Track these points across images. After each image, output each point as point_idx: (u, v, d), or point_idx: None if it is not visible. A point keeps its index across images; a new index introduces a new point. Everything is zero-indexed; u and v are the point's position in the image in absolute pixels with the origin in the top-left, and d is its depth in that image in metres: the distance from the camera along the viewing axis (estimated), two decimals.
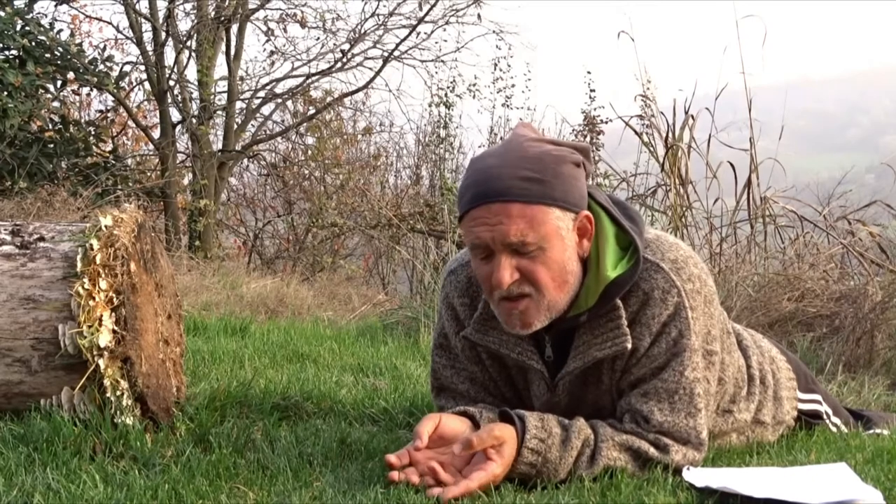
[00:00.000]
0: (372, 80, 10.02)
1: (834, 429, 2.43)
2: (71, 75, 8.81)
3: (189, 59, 9.54)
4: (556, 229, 1.82)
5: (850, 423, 2.50)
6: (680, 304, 1.90)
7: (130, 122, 10.10)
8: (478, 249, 1.84)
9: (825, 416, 2.43)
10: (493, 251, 1.82)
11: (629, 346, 1.88)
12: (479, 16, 9.83)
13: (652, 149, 4.77)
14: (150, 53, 9.28)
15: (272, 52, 10.09)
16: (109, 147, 9.51)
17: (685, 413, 1.89)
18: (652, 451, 1.86)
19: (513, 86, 10.34)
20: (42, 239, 2.20)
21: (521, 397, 2.07)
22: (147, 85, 9.65)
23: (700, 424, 1.90)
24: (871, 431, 2.48)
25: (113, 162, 8.95)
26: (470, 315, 2.02)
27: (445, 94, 10.37)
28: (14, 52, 8.11)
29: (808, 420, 2.40)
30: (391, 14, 9.81)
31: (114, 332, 2.05)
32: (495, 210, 1.79)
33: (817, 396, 2.43)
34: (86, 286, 2.05)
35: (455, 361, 2.08)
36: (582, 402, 1.99)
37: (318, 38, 10.06)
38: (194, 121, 9.39)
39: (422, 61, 10.08)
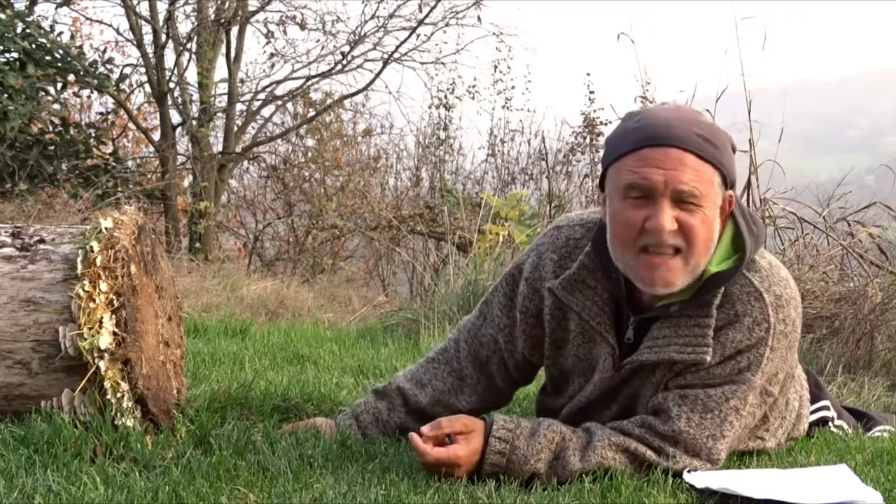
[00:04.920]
0: (372, 82, 10.02)
1: (837, 431, 2.41)
2: (71, 78, 8.80)
3: (189, 61, 9.53)
4: (715, 194, 1.85)
5: (851, 423, 2.48)
6: (763, 340, 1.89)
7: (131, 125, 10.08)
8: (637, 191, 1.82)
9: (830, 421, 2.42)
10: (654, 196, 1.81)
11: (708, 359, 1.88)
12: (478, 18, 9.84)
13: None
14: (151, 56, 9.27)
15: (272, 55, 10.08)
16: (110, 149, 9.50)
17: (709, 434, 1.89)
18: (650, 454, 1.86)
19: (512, 87, 10.37)
20: (42, 241, 2.20)
21: (527, 365, 2.18)
22: (147, 87, 9.63)
23: (718, 449, 1.89)
24: (878, 429, 2.47)
25: (113, 164, 8.94)
26: (553, 271, 2.04)
27: (445, 96, 10.37)
28: (14, 54, 8.11)
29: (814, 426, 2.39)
30: (391, 16, 9.81)
31: (114, 334, 2.05)
32: (673, 154, 1.80)
33: (825, 403, 2.42)
34: (86, 288, 2.05)
35: (512, 303, 2.14)
36: (627, 385, 2.00)
37: (318, 41, 10.06)
38: (194, 123, 9.38)
39: (422, 63, 10.07)
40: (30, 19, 8.27)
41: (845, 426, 2.44)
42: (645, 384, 1.97)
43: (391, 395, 2.24)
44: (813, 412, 2.37)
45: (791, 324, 1.94)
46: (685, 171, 1.80)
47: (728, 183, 1.89)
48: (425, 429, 1.86)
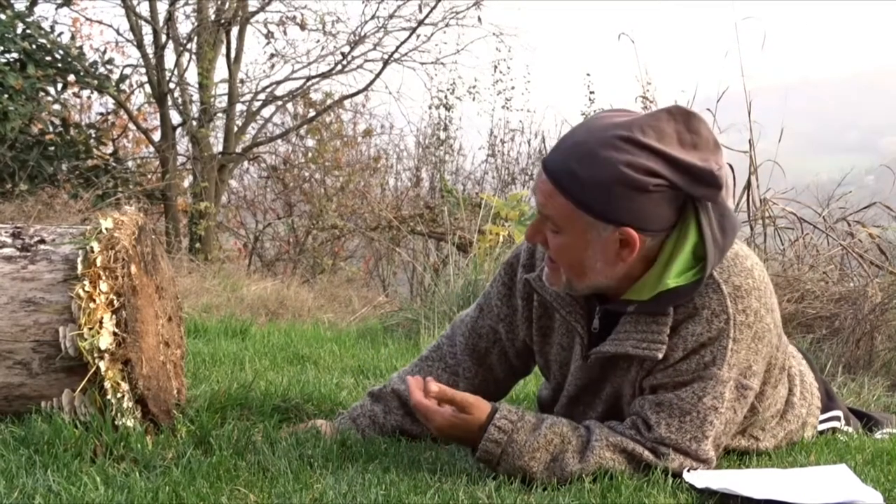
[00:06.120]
0: (372, 82, 10.02)
1: (841, 436, 2.40)
2: (71, 78, 8.81)
3: (189, 61, 9.54)
4: (581, 229, 1.86)
5: (856, 426, 2.48)
6: (724, 331, 1.89)
7: (131, 125, 10.09)
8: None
9: (837, 430, 2.41)
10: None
11: (660, 356, 1.89)
12: (479, 18, 9.85)
13: None
14: (151, 56, 9.28)
15: (272, 55, 10.09)
16: (110, 150, 9.51)
17: (691, 436, 1.89)
18: (647, 454, 1.87)
19: (512, 88, 10.39)
20: (43, 241, 2.20)
21: (528, 353, 2.20)
22: (147, 87, 9.65)
23: (704, 449, 1.89)
24: (881, 431, 2.46)
25: (113, 164, 8.95)
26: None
27: (445, 97, 10.39)
28: (15, 55, 8.12)
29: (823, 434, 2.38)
30: (391, 16, 9.81)
31: (114, 334, 2.05)
32: (542, 178, 1.89)
33: (837, 413, 2.40)
34: (86, 288, 2.05)
35: (511, 291, 2.18)
36: (606, 381, 2.01)
37: (318, 41, 10.06)
38: (195, 123, 9.39)
39: (422, 63, 10.08)
40: (30, 20, 8.28)
41: (851, 431, 2.43)
42: (623, 382, 1.98)
43: (387, 398, 2.25)
44: (825, 421, 2.36)
45: (754, 314, 1.91)
46: (541, 196, 1.89)
47: (611, 221, 1.82)
48: (433, 385, 1.91)
